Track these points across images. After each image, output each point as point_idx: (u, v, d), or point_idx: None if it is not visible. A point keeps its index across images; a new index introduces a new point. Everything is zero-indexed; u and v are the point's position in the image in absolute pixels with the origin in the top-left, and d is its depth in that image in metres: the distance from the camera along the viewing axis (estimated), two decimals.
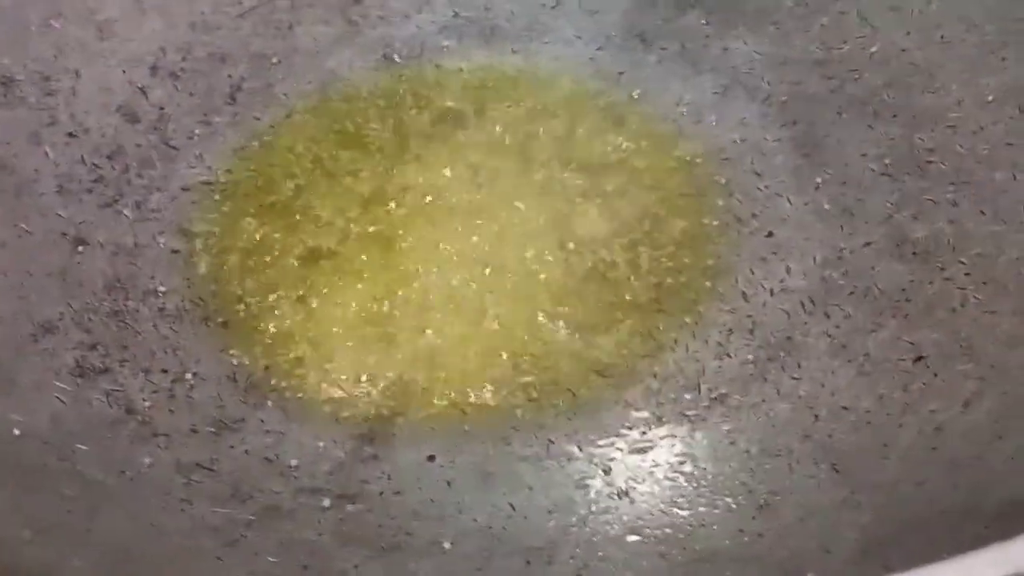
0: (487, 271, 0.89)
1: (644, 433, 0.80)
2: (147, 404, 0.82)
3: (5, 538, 0.70)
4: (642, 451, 0.79)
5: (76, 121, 0.98)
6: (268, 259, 0.92)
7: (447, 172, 0.96)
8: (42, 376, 0.82)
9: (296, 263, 0.91)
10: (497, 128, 1.00)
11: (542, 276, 0.89)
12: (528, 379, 0.84)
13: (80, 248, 0.90)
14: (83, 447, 0.78)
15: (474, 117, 1.01)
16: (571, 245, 0.90)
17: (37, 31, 1.00)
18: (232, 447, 0.80)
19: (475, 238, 0.91)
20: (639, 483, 0.77)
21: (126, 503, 0.75)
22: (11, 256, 0.88)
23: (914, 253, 0.85)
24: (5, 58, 0.99)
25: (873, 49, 0.95)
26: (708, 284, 0.88)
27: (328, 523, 0.75)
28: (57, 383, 0.82)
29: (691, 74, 1.00)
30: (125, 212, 0.94)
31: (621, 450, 0.79)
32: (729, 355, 0.83)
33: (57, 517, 0.73)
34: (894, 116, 0.92)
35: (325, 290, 0.90)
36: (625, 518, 0.75)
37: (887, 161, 0.90)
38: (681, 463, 0.78)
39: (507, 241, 0.91)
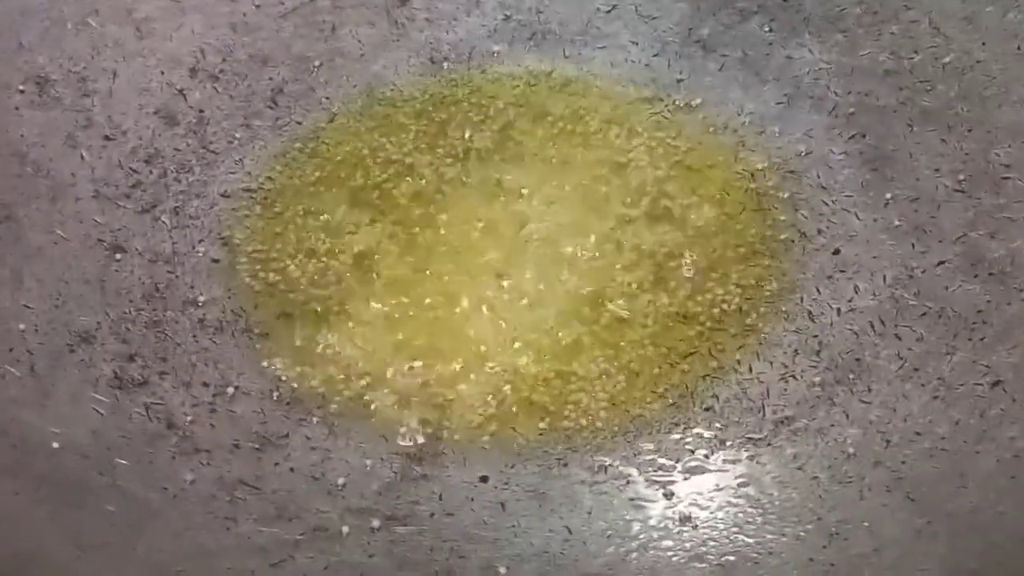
0: (540, 287, 0.91)
1: (706, 456, 0.81)
2: (188, 418, 0.84)
3: (52, 555, 0.72)
4: (704, 475, 0.81)
5: (113, 123, 1.00)
6: (312, 269, 0.93)
7: (497, 183, 0.97)
8: (79, 388, 0.84)
9: (342, 275, 0.93)
10: (548, 137, 1.01)
11: (597, 293, 0.90)
12: (584, 399, 0.85)
13: (117, 256, 0.93)
14: (123, 462, 0.80)
15: (525, 125, 1.02)
16: (628, 261, 0.91)
17: (73, 29, 1.03)
18: (277, 464, 0.82)
19: (528, 255, 0.93)
20: (701, 508, 0.79)
21: (170, 521, 0.77)
22: (47, 263, 0.90)
23: (990, 273, 0.86)
24: (40, 57, 1.01)
25: (946, 59, 0.97)
26: (772, 303, 0.89)
27: (378, 545, 0.77)
28: (95, 395, 0.84)
29: (754, 83, 1.02)
30: (163, 219, 0.96)
31: (682, 474, 0.81)
32: (795, 376, 0.85)
33: (102, 534, 0.75)
34: (968, 130, 0.93)
35: (373, 304, 0.91)
36: (687, 544, 0.77)
37: (961, 177, 0.91)
38: (745, 488, 0.79)
39: (562, 258, 0.92)
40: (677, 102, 1.02)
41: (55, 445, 0.79)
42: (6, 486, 0.76)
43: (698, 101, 1.02)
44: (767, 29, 1.03)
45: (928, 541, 0.73)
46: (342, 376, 0.87)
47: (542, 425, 0.85)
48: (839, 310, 0.87)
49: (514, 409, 0.85)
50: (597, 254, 0.93)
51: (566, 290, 0.91)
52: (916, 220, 0.91)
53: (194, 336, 0.89)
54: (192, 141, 1.00)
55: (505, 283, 0.92)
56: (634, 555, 0.76)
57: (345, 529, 0.77)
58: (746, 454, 0.81)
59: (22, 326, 0.86)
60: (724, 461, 0.81)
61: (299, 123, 1.03)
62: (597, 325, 0.89)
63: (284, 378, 0.88)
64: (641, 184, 0.97)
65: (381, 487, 0.80)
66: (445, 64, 1.07)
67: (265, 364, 0.88)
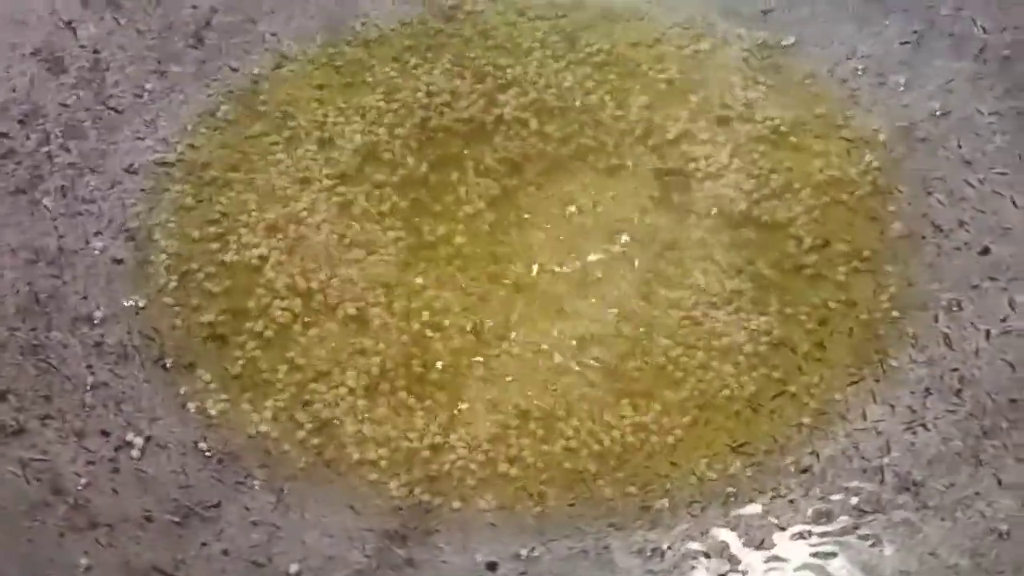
0: (576, 306, 0.94)
1: (802, 536, 0.84)
2: (82, 481, 0.86)
3: None
4: (800, 561, 0.83)
5: None
6: (252, 274, 0.96)
7: (505, 164, 1.00)
8: None
9: (294, 282, 0.95)
10: (583, 111, 1.04)
11: (651, 318, 0.93)
12: (633, 457, 0.88)
13: None
14: None
15: (548, 76, 1.05)
16: (693, 267, 0.94)
17: None
18: (205, 545, 0.84)
19: (563, 268, 0.96)
20: None
21: None
22: None
23: None
24: None
25: None
26: (894, 322, 0.91)
27: None
28: None
29: (870, 13, 1.05)
30: (45, 202, 0.98)
31: (767, 560, 0.83)
32: (926, 426, 0.87)
33: None
34: None
35: (335, 317, 0.94)
36: None
37: None
38: None
39: (603, 268, 0.96)
40: (765, 42, 1.04)
41: None
42: None
43: (792, 40, 1.04)
44: None
45: None
46: (294, 421, 0.89)
47: (575, 494, 0.86)
48: (988, 333, 0.90)
49: (532, 469, 0.87)
50: (654, 263, 0.95)
51: (610, 308, 0.92)
52: None
53: (89, 366, 0.91)
54: (85, 94, 1.04)
55: (520, 300, 0.94)
56: None
57: None
58: (858, 533, 0.83)
59: None
60: (827, 541, 0.83)
61: (234, 69, 1.06)
62: (651, 362, 0.90)
63: (214, 425, 0.89)
64: (710, 160, 0.98)
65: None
66: None
67: (188, 405, 0.90)
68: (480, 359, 0.91)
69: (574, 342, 0.92)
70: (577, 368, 0.90)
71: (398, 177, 0.99)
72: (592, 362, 0.91)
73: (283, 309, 0.95)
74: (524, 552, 0.84)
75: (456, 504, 0.87)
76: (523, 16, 1.07)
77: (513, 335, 0.93)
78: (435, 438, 0.89)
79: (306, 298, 0.95)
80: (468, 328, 0.92)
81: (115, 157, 1.01)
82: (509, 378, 0.91)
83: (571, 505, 0.86)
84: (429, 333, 0.93)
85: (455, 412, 0.90)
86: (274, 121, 1.03)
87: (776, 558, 0.83)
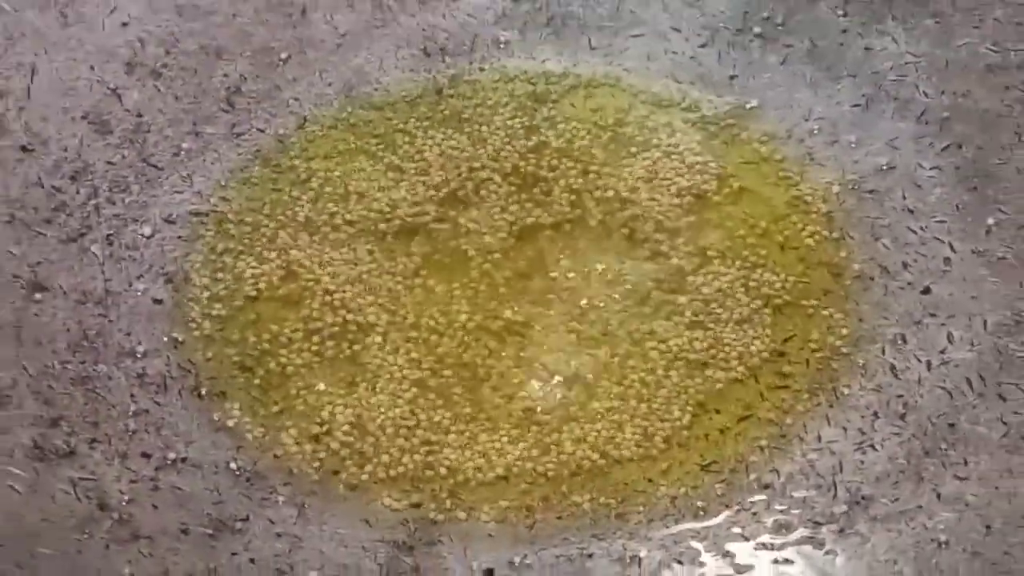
0: (560, 342, 0.95)
1: (764, 547, 0.84)
2: (125, 497, 0.86)
3: None
4: (763, 569, 0.83)
5: (31, 131, 1.04)
6: (278, 312, 0.97)
7: (505, 216, 1.01)
8: None
9: (316, 317, 0.96)
10: (570, 152, 1.05)
11: (626, 351, 0.94)
12: (613, 474, 0.89)
13: (37, 295, 0.96)
14: (46, 551, 0.83)
15: (540, 138, 1.05)
16: (663, 308, 0.95)
17: None
18: (235, 555, 0.85)
19: (546, 301, 0.97)
20: None
21: None
22: None
23: None
24: None
25: None
26: (846, 355, 0.92)
27: None
28: (11, 469, 0.86)
29: (824, 80, 1.06)
30: (93, 250, 0.99)
31: (733, 567, 0.84)
32: (874, 446, 0.88)
33: None
34: None
35: (356, 351, 0.95)
36: None
37: None
38: None
39: (580, 313, 0.97)
40: (729, 105, 1.05)
41: None
42: None
43: (754, 103, 1.05)
44: (841, 13, 1.07)
45: None
46: (315, 444, 0.90)
47: (562, 506, 0.87)
48: (929, 363, 0.91)
49: (526, 487, 0.88)
50: (627, 300, 0.95)
51: (589, 344, 0.93)
52: None
53: (132, 395, 0.92)
54: (129, 153, 1.05)
55: (514, 336, 0.94)
56: None
57: None
58: (814, 543, 0.84)
59: None
60: (787, 551, 0.84)
61: (261, 130, 1.07)
62: (628, 389, 0.91)
63: (243, 447, 0.90)
64: (682, 210, 0.99)
65: None
66: (442, 57, 1.09)
67: (219, 431, 0.90)
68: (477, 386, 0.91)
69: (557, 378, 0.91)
70: (560, 396, 0.90)
71: (404, 226, 0.98)
72: (570, 393, 0.90)
73: (301, 344, 0.95)
74: (517, 559, 0.85)
75: (458, 516, 0.87)
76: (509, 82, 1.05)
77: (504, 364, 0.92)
78: (438, 460, 0.88)
79: (320, 335, 0.94)
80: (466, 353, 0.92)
81: (155, 208, 1.02)
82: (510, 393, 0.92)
83: (558, 518, 0.87)
84: (432, 365, 0.92)
85: (456, 434, 0.89)
86: (297, 176, 1.03)
87: (741, 566, 0.83)
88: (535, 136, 1.06)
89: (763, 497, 0.87)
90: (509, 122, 1.07)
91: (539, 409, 0.92)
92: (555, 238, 0.99)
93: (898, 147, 1.01)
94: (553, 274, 0.98)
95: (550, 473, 0.89)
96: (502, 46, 1.09)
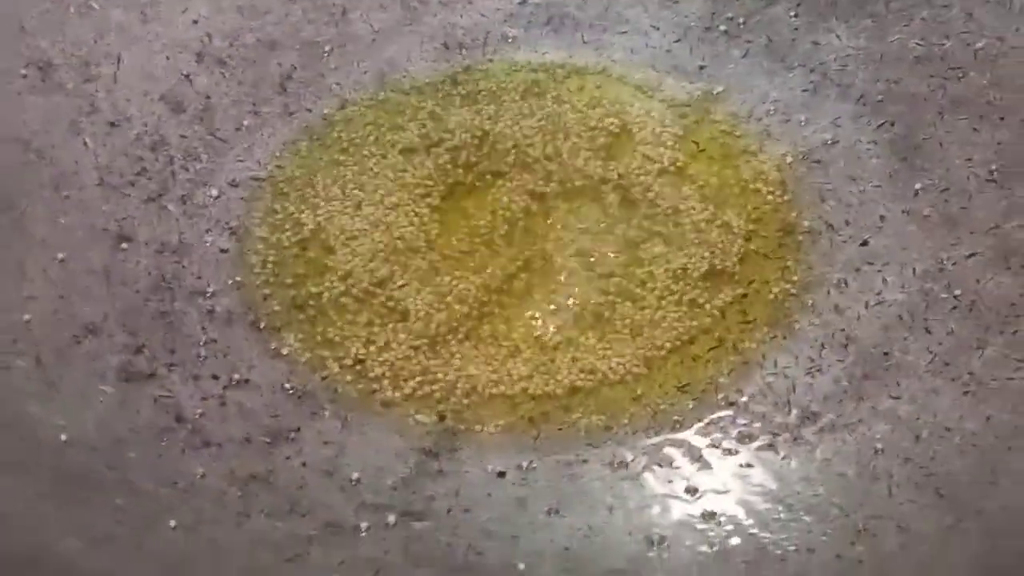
0: (561, 284, 0.94)
1: (730, 452, 0.83)
2: (198, 411, 0.86)
3: (56, 548, 0.74)
4: (728, 471, 0.83)
5: (117, 110, 1.03)
6: (325, 260, 0.96)
7: (516, 182, 1.00)
8: (87, 380, 0.86)
9: (355, 263, 0.95)
10: (565, 125, 1.03)
11: (617, 290, 0.93)
12: (604, 394, 0.87)
13: (123, 245, 0.95)
14: (132, 455, 0.82)
15: (541, 110, 1.04)
16: (648, 256, 0.94)
17: (76, 12, 1.05)
18: (288, 458, 0.84)
19: (549, 255, 0.96)
20: (725, 504, 0.81)
21: (180, 515, 0.79)
22: (51, 253, 0.92)
23: (1023, 266, 0.87)
24: (42, 41, 1.03)
25: (978, 45, 0.99)
26: (798, 296, 0.92)
27: (394, 541, 0.79)
28: (103, 387, 0.86)
29: (779, 69, 1.04)
30: (170, 207, 0.98)
31: (705, 469, 0.83)
32: (821, 371, 0.87)
33: (109, 528, 0.77)
34: (1001, 118, 0.95)
35: (390, 291, 0.94)
36: (712, 541, 0.79)
37: (993, 167, 0.93)
38: (771, 484, 0.81)
39: (578, 260, 0.96)
40: (699, 90, 1.04)
41: (62, 438, 0.81)
42: (13, 480, 0.78)
43: (720, 89, 1.04)
44: (793, 14, 1.05)
45: (958, 538, 0.75)
46: (356, 369, 0.89)
47: (561, 420, 0.86)
48: (867, 303, 0.89)
49: (532, 404, 0.87)
50: (619, 250, 0.94)
51: (586, 285, 0.92)
52: (946, 211, 0.93)
53: (203, 327, 0.91)
54: (199, 128, 1.03)
55: (523, 279, 0.93)
56: (656, 552, 0.78)
57: (364, 524, 0.79)
58: (771, 450, 0.83)
59: (27, 317, 0.88)
60: (749, 456, 0.83)
61: (309, 110, 1.06)
62: (618, 322, 0.90)
63: (295, 371, 0.89)
64: (662, 176, 0.98)
65: (396, 482, 0.83)
66: (459, 50, 1.08)
67: (275, 357, 0.90)
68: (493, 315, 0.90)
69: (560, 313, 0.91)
70: (560, 328, 0.89)
71: (433, 191, 0.97)
72: (569, 325, 0.90)
73: (342, 286, 0.95)
74: (524, 464, 0.84)
75: (475, 428, 0.87)
76: (516, 71, 1.05)
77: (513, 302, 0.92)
78: (458, 380, 0.88)
79: (357, 279, 0.94)
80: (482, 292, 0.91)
81: (221, 174, 1.01)
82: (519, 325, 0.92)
83: (559, 430, 0.86)
84: (453, 303, 0.91)
85: (473, 360, 0.89)
86: (339, 148, 1.02)
87: (711, 468, 0.82)
88: (538, 113, 1.03)
89: (729, 413, 0.87)
90: (515, 104, 1.05)
91: (542, 338, 0.90)
92: (555, 200, 0.97)
93: (840, 125, 0.99)
94: (558, 227, 0.96)
95: (550, 392, 0.88)
96: (510, 40, 1.08)
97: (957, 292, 0.88)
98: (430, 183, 0.99)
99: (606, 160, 1.00)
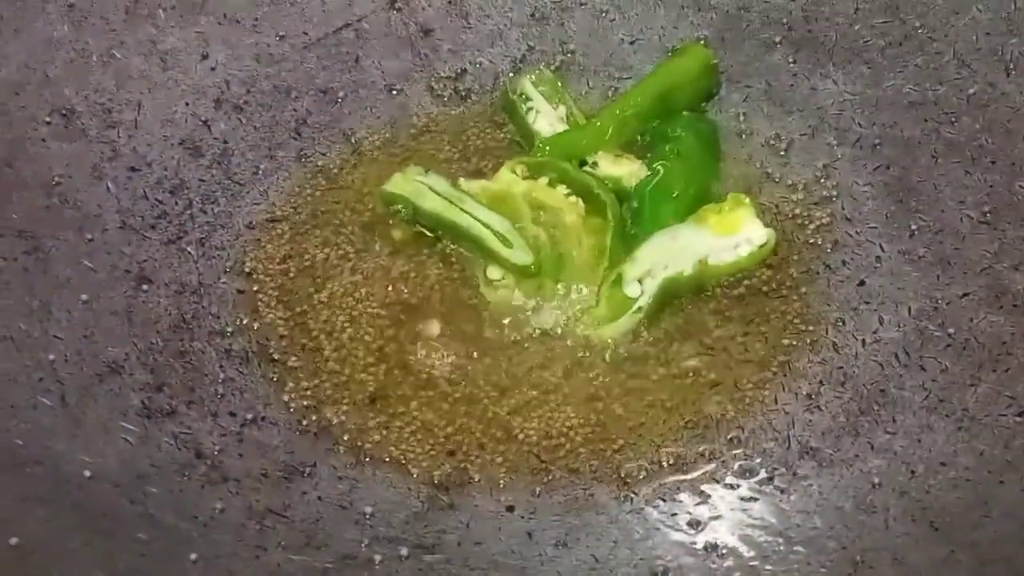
0: (566, 323, 0.96)
1: (732, 486, 0.86)
2: (216, 448, 0.88)
3: None
4: (730, 504, 0.85)
5: (138, 154, 1.05)
6: (338, 301, 0.98)
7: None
8: (109, 417, 0.89)
9: (368, 306, 0.98)
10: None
11: (626, 325, 0.95)
12: (610, 430, 0.90)
13: (144, 286, 0.98)
14: (154, 490, 0.85)
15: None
16: (647, 291, 0.96)
17: (99, 61, 1.08)
18: (305, 493, 0.86)
19: (555, 290, 0.98)
20: (726, 537, 0.83)
21: (200, 548, 0.81)
22: (75, 294, 0.95)
23: (1014, 305, 0.90)
24: (66, 89, 1.06)
25: (971, 91, 1.01)
26: (797, 334, 0.94)
27: (406, 573, 0.82)
28: (125, 424, 0.89)
29: (778, 114, 1.07)
30: (189, 250, 1.01)
31: (707, 504, 0.85)
32: (820, 407, 0.89)
33: (132, 561, 0.79)
34: (992, 162, 0.97)
35: (399, 335, 0.97)
36: (713, 572, 0.81)
37: (985, 208, 0.96)
38: (771, 518, 0.84)
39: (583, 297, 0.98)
40: (724, 122, 1.07)
41: (86, 474, 0.84)
42: (39, 514, 0.80)
43: (743, 120, 1.07)
44: (791, 60, 1.08)
45: (952, 570, 0.77)
46: (368, 405, 0.92)
47: (569, 454, 0.89)
48: (864, 341, 0.92)
49: (541, 439, 0.90)
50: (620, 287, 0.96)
51: (595, 319, 0.94)
52: (941, 251, 0.95)
53: (220, 366, 0.94)
54: (217, 172, 1.06)
55: (530, 318, 0.95)
56: None
57: (377, 557, 0.81)
58: (771, 484, 0.85)
59: (52, 356, 0.90)
60: (750, 490, 0.85)
61: (323, 154, 1.08)
62: (622, 360, 0.92)
63: (309, 408, 0.91)
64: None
65: (408, 516, 0.85)
66: (469, 95, 1.11)
67: (290, 395, 0.92)
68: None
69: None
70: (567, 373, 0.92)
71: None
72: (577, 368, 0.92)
73: (354, 331, 0.98)
74: (533, 498, 0.88)
75: (485, 465, 0.89)
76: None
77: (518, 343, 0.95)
78: (467, 423, 0.92)
79: (369, 321, 0.96)
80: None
81: (238, 217, 1.04)
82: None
83: (566, 464, 0.88)
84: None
85: (482, 398, 0.91)
86: (351, 192, 1.05)
87: (713, 501, 0.85)
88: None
89: (730, 448, 0.89)
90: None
91: (550, 383, 0.93)
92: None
93: (838, 167, 1.02)
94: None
95: (558, 431, 0.90)
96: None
97: (951, 330, 0.90)
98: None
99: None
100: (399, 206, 1.01)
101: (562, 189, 1.01)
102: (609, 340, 0.93)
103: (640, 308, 0.94)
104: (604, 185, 0.99)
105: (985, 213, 0.95)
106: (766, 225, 0.97)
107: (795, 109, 1.05)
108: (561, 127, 1.05)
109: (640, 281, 0.94)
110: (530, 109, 1.06)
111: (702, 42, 1.09)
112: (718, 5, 1.10)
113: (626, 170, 1.01)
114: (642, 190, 0.99)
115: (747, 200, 0.97)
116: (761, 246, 0.95)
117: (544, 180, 1.01)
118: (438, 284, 0.99)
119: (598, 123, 1.04)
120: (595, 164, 1.02)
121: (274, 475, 0.87)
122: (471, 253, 0.99)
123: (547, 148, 1.03)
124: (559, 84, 1.09)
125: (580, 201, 1.00)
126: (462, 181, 1.02)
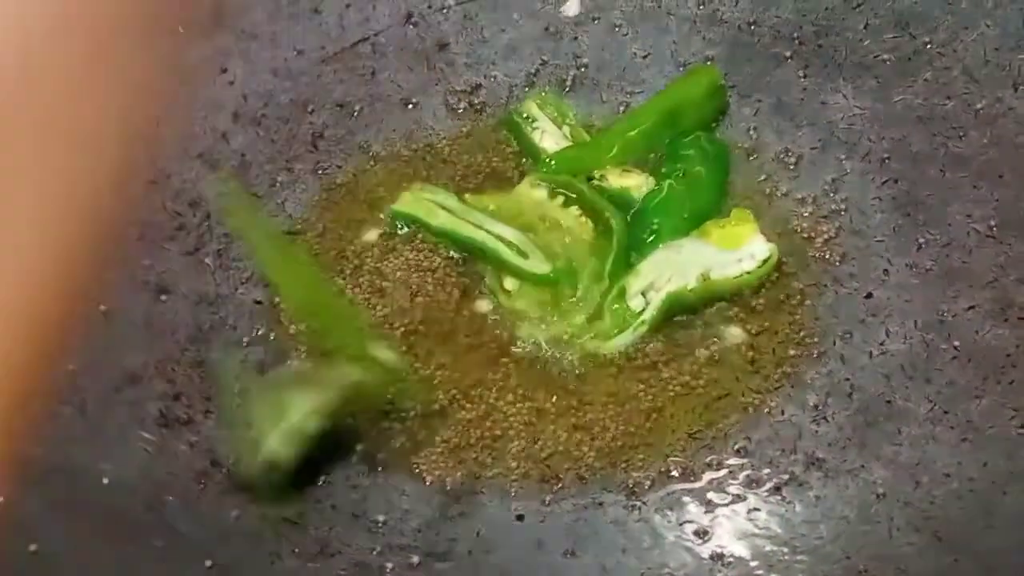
0: (572, 336, 0.97)
1: (739, 496, 0.87)
2: (232, 456, 0.89)
3: None
4: (736, 514, 0.86)
5: (157, 167, 1.07)
6: (354, 311, 1.00)
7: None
8: (128, 426, 0.91)
9: (383, 318, 0.99)
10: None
11: (630, 338, 0.96)
12: (619, 441, 0.91)
13: (163, 297, 0.99)
14: (171, 498, 0.86)
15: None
16: (651, 304, 0.97)
17: None
18: (319, 502, 0.88)
19: (568, 294, 0.99)
20: (732, 546, 0.84)
21: (216, 555, 0.83)
22: (93, 304, 0.96)
23: (1020, 318, 0.91)
24: None
25: (979, 106, 1.02)
26: (805, 346, 0.95)
27: None
28: (143, 433, 0.90)
29: (788, 128, 1.08)
30: (207, 261, 1.03)
31: (715, 513, 0.86)
32: (827, 419, 0.90)
33: (149, 568, 0.81)
34: (1000, 176, 0.98)
35: (412, 342, 0.98)
36: None
37: (992, 223, 0.97)
38: (777, 528, 0.85)
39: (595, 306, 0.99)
40: (733, 140, 1.09)
41: (105, 481, 0.85)
42: (59, 521, 0.82)
43: (753, 137, 1.08)
44: (801, 75, 1.09)
45: None
46: (382, 415, 0.93)
47: (577, 465, 0.90)
48: (870, 353, 0.93)
49: (550, 449, 0.91)
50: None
51: (600, 332, 0.96)
52: (947, 265, 0.96)
53: (237, 376, 0.94)
54: (235, 184, 1.07)
55: (544, 327, 0.97)
56: None
57: (389, 565, 0.83)
58: (777, 494, 0.86)
59: (72, 366, 0.91)
60: (756, 500, 0.86)
61: (339, 167, 1.10)
62: (631, 369, 0.94)
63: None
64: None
65: (420, 524, 0.87)
66: (483, 108, 1.13)
67: None
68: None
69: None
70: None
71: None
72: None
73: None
74: (543, 506, 0.89)
75: (495, 476, 0.91)
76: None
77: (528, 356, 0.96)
78: (479, 435, 0.93)
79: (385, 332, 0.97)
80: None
81: None
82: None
83: (576, 475, 0.90)
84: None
85: (494, 408, 0.93)
86: (367, 202, 1.06)
87: (719, 511, 0.86)
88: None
89: (737, 459, 0.90)
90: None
91: (558, 394, 0.94)
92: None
93: (847, 181, 1.03)
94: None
95: (567, 441, 0.91)
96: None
97: (956, 343, 0.91)
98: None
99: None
100: (408, 223, 1.01)
101: (574, 210, 1.00)
102: (615, 352, 0.93)
103: (644, 321, 0.94)
104: (616, 212, 0.99)
105: (992, 227, 0.95)
106: (773, 239, 0.97)
107: (805, 123, 1.07)
108: (566, 144, 1.05)
109: (644, 294, 0.94)
110: (536, 129, 1.06)
111: (710, 63, 1.08)
112: (729, 20, 1.11)
113: (634, 182, 1.01)
114: (649, 202, 0.99)
115: (751, 215, 0.97)
116: (764, 261, 0.95)
117: (560, 200, 1.00)
118: (452, 296, 0.99)
119: (603, 140, 1.05)
120: (602, 177, 1.02)
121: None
122: (486, 265, 0.99)
123: (552, 163, 1.03)
124: (563, 105, 1.08)
125: (589, 222, 0.99)
126: (468, 196, 1.02)
